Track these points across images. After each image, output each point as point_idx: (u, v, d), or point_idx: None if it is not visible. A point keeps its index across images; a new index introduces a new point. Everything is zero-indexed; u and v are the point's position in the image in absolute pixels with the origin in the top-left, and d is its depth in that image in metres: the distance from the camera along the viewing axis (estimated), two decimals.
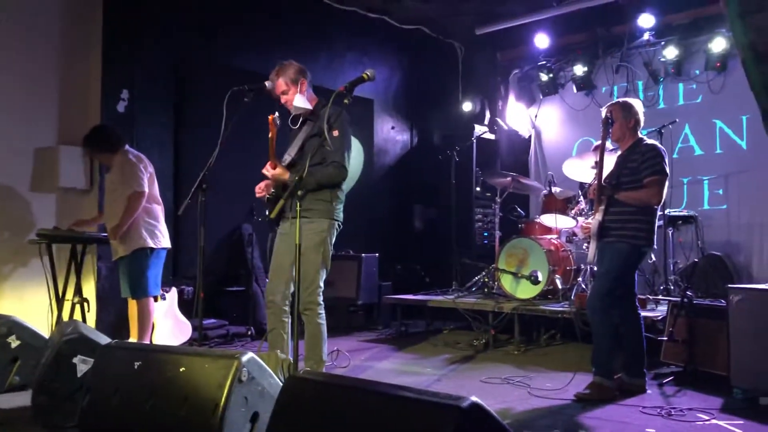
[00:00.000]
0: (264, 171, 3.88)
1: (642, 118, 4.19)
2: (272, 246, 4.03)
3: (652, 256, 5.64)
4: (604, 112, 4.21)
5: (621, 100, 4.30)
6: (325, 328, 3.89)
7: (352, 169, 7.71)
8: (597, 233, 4.02)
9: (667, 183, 4.04)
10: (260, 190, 3.94)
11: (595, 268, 4.72)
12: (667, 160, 4.04)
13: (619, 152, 4.25)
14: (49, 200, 5.62)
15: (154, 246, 4.75)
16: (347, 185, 4.07)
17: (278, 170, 3.82)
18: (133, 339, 4.83)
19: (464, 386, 4.32)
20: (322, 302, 3.88)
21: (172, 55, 6.24)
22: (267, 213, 3.95)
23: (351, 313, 6.87)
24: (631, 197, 3.98)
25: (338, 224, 3.96)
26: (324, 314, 3.90)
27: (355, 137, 7.81)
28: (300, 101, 3.91)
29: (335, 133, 3.78)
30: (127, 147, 4.84)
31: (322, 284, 3.88)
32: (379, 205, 8.21)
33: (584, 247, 4.42)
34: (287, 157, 3.90)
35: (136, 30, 5.92)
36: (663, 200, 4.11)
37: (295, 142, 3.92)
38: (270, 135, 3.80)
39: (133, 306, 4.82)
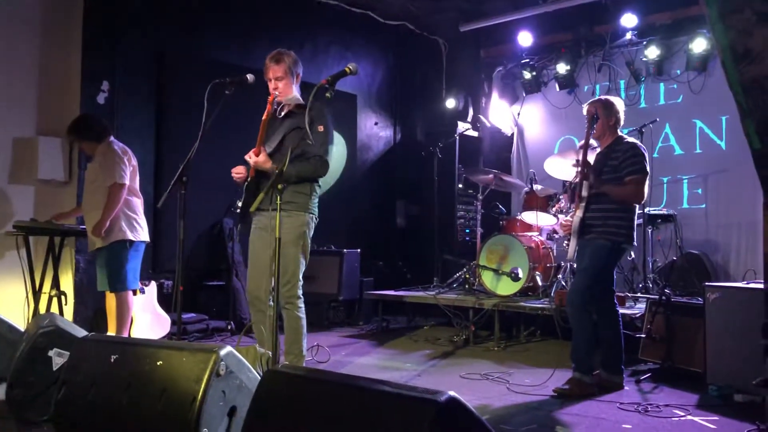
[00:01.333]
0: (246, 157, 3.82)
1: (622, 116, 4.22)
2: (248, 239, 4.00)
3: (632, 253, 5.68)
4: (585, 108, 4.23)
5: (603, 97, 4.31)
6: (305, 322, 3.87)
7: (335, 165, 7.78)
8: (578, 230, 4.04)
9: (647, 182, 4.07)
10: (238, 172, 3.89)
11: (575, 265, 4.74)
12: (647, 159, 4.07)
13: (598, 150, 4.28)
14: (27, 192, 5.54)
15: (133, 239, 4.71)
16: (330, 181, 4.06)
17: (262, 158, 3.77)
18: (111, 333, 4.78)
19: (443, 382, 4.34)
20: (302, 296, 3.86)
21: (153, 47, 6.19)
22: (239, 204, 3.91)
23: (332, 308, 6.86)
24: (615, 191, 4.00)
25: (315, 218, 3.95)
26: (304, 308, 3.88)
27: (338, 132, 7.87)
28: (296, 92, 3.88)
29: (320, 128, 3.77)
30: (112, 138, 4.79)
31: (301, 278, 3.86)
32: (361, 201, 8.20)
33: (564, 245, 4.43)
34: (266, 149, 3.86)
35: (117, 21, 5.86)
36: (644, 199, 4.14)
37: (276, 134, 3.88)
38: (264, 117, 3.76)
39: (111, 299, 4.77)
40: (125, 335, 4.72)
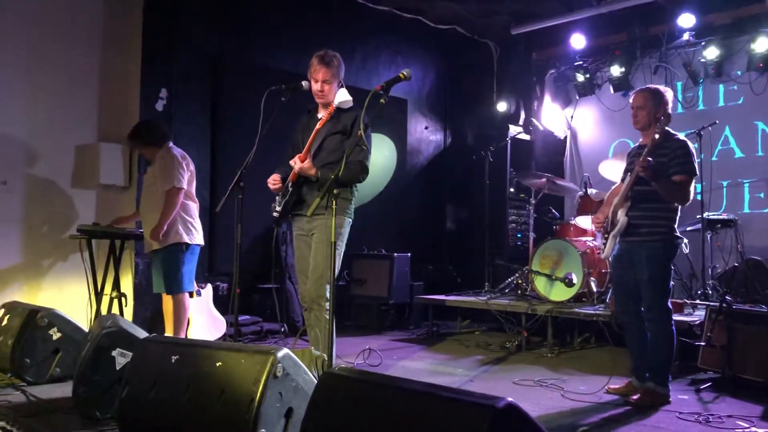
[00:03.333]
0: (291, 162, 3.87)
1: (671, 108, 3.95)
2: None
3: (686, 246, 5.26)
4: (631, 98, 4.05)
5: (651, 86, 4.06)
6: (331, 325, 3.88)
7: (385, 169, 7.81)
8: (624, 230, 3.92)
9: (693, 183, 3.86)
10: (275, 182, 3.94)
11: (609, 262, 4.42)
12: (696, 160, 3.90)
13: (638, 144, 4.10)
14: (89, 196, 5.74)
15: (189, 242, 4.81)
16: (381, 185, 4.08)
17: (307, 164, 3.81)
18: (168, 334, 4.89)
19: (497, 388, 4.30)
20: (329, 297, 3.85)
21: (209, 55, 6.34)
22: (277, 208, 3.94)
23: (383, 312, 6.88)
24: (666, 187, 3.76)
25: (351, 219, 3.99)
26: (330, 308, 3.88)
27: (388, 137, 7.90)
28: (343, 96, 3.91)
29: (360, 133, 3.80)
30: (171, 144, 4.92)
31: (329, 280, 3.88)
32: (411, 205, 8.21)
33: (600, 243, 4.27)
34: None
35: (174, 30, 6.02)
36: (690, 200, 3.93)
37: (315, 138, 3.90)
38: (318, 127, 3.80)
39: (168, 301, 4.88)
40: (182, 336, 4.83)
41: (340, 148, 3.85)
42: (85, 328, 4.35)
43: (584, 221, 6.02)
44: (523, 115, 8.20)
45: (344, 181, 3.79)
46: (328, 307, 3.78)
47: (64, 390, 3.77)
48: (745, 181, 6.65)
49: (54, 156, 5.54)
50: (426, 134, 8.63)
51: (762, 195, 6.55)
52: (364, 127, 3.77)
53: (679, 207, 3.94)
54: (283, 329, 6.17)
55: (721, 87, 6.92)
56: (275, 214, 3.99)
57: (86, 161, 5.69)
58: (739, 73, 6.74)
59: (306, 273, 3.93)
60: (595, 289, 5.71)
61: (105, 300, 5.04)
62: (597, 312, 5.30)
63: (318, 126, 3.86)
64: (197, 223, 4.95)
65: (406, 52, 8.21)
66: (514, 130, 7.67)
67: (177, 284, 4.77)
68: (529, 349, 5.62)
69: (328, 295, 3.74)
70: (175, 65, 6.05)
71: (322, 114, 3.97)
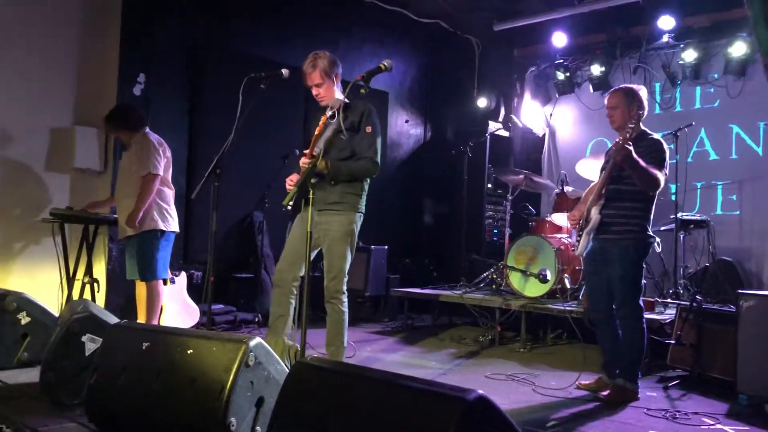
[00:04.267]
0: (301, 162, 3.83)
1: (646, 106, 4.02)
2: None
3: (659, 245, 5.30)
4: (606, 99, 4.08)
5: (625, 86, 4.10)
6: (347, 317, 3.91)
7: None
8: (597, 228, 3.96)
9: (664, 178, 3.87)
10: (291, 182, 3.90)
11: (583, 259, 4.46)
12: (668, 159, 3.93)
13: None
14: (63, 180, 5.66)
15: (164, 229, 4.77)
16: None
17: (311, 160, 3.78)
18: (141, 321, 4.85)
19: (469, 381, 4.33)
20: (345, 291, 3.90)
21: (189, 40, 6.26)
22: (290, 203, 3.92)
23: (358, 304, 6.88)
24: (639, 171, 3.74)
25: (362, 215, 4.00)
26: (347, 302, 3.92)
27: None
28: (338, 95, 3.88)
29: (368, 129, 3.82)
30: (148, 130, 4.86)
31: (347, 274, 3.90)
32: (390, 198, 8.20)
33: (575, 240, 4.31)
34: (316, 150, 3.88)
35: (154, 14, 5.94)
36: (661, 187, 3.89)
37: (324, 136, 3.88)
38: (318, 130, 3.78)
39: (141, 288, 4.84)
40: (155, 324, 4.79)
41: (348, 145, 3.84)
42: (56, 313, 4.29)
43: (560, 218, 6.07)
44: (503, 112, 8.23)
45: (354, 176, 3.83)
46: (345, 300, 3.88)
47: (31, 375, 3.71)
48: (718, 183, 6.75)
49: (28, 138, 5.45)
50: (406, 128, 8.62)
51: (734, 197, 6.65)
52: (373, 122, 3.78)
53: (653, 206, 3.99)
54: (257, 319, 6.14)
55: (698, 89, 7.00)
56: (288, 208, 3.96)
57: (61, 145, 5.60)
58: (716, 76, 6.83)
59: (291, 251, 3.89)
60: (568, 286, 5.75)
61: (77, 285, 4.99)
62: (569, 308, 5.35)
63: (321, 124, 3.81)
64: (173, 210, 4.91)
65: (389, 45, 8.19)
66: (493, 126, 7.70)
67: (151, 271, 4.73)
68: (502, 344, 5.66)
69: (344, 289, 3.86)
70: (154, 50, 5.98)
71: (330, 112, 3.94)
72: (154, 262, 4.73)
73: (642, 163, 3.73)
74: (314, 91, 3.90)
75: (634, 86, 4.08)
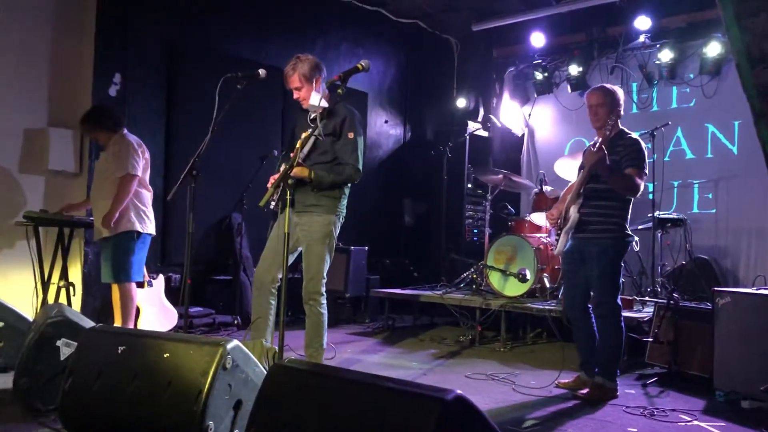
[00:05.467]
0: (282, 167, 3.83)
1: (622, 105, 4.04)
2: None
3: (637, 244, 5.44)
4: (586, 97, 4.09)
5: (605, 85, 4.12)
6: (326, 318, 3.91)
7: None
8: (575, 227, 3.98)
9: (644, 180, 3.92)
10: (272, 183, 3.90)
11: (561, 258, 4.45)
12: (647, 158, 3.97)
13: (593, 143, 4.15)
14: (37, 182, 5.56)
15: (141, 230, 4.72)
16: None
17: (296, 169, 3.73)
18: (116, 324, 4.79)
19: (449, 381, 4.33)
20: (324, 293, 3.90)
21: (165, 40, 6.19)
22: (273, 203, 3.90)
23: (338, 305, 6.85)
24: (616, 180, 3.81)
25: (342, 217, 4.01)
26: (326, 304, 3.92)
27: None
28: (315, 99, 3.83)
29: (350, 135, 3.83)
30: (126, 131, 4.81)
31: (325, 275, 3.89)
32: (369, 199, 8.17)
33: (554, 239, 4.33)
34: (301, 156, 3.86)
35: (129, 13, 5.87)
36: (640, 192, 3.91)
37: (305, 141, 3.85)
38: (304, 135, 3.76)
39: (116, 291, 4.78)
40: (130, 327, 4.73)
41: (330, 150, 3.85)
42: (30, 317, 4.22)
43: (539, 218, 6.10)
44: (482, 112, 8.26)
45: (336, 183, 3.84)
46: (323, 302, 3.88)
47: (4, 381, 3.64)
48: (695, 182, 6.83)
49: (1, 140, 5.34)
50: (386, 128, 8.61)
51: (710, 196, 6.73)
52: (356, 127, 3.78)
53: (631, 205, 4.01)
54: (236, 321, 6.10)
55: (675, 89, 7.07)
56: (267, 210, 3.94)
57: (35, 146, 5.51)
58: (691, 76, 6.90)
59: (271, 251, 3.90)
60: (548, 285, 5.79)
61: (52, 289, 4.91)
62: (549, 307, 5.38)
63: (305, 135, 3.79)
64: (150, 212, 4.86)
65: (368, 45, 8.17)
66: (472, 126, 7.72)
67: (125, 273, 4.67)
68: (482, 344, 5.68)
69: (323, 290, 3.87)
70: (130, 49, 5.90)
71: (312, 116, 3.93)
72: (129, 263, 4.68)
73: (614, 170, 3.76)
74: (294, 94, 3.91)
75: (614, 86, 4.11)
